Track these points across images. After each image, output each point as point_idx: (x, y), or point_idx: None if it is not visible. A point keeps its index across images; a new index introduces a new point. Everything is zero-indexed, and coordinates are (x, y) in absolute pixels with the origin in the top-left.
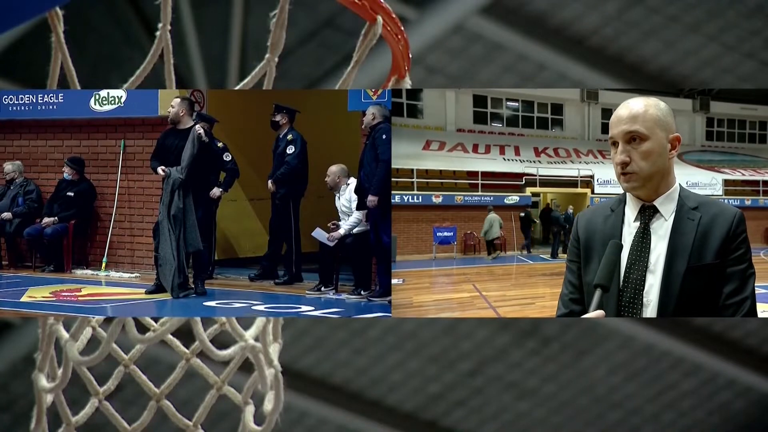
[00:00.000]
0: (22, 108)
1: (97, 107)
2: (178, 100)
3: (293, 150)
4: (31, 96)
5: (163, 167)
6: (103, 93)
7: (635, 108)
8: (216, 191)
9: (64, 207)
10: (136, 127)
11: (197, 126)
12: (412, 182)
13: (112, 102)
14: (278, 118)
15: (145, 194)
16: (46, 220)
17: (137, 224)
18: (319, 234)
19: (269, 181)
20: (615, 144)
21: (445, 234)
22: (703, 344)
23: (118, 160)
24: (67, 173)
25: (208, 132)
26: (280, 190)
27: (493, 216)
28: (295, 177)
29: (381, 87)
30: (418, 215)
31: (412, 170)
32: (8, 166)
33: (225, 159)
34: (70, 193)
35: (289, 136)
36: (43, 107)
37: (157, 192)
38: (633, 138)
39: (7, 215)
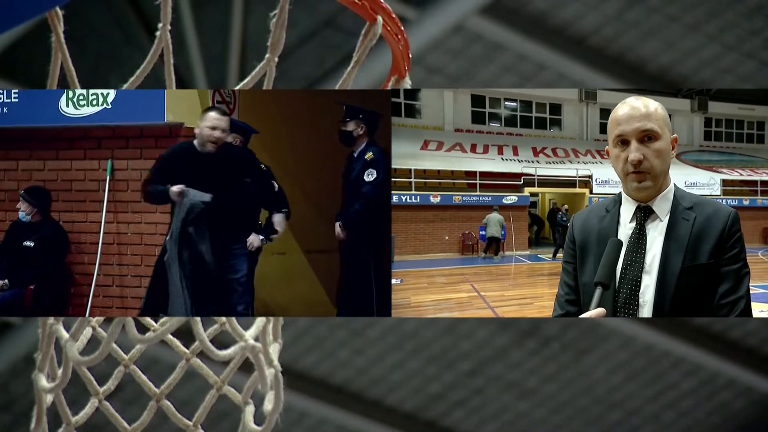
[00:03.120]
0: None
1: (71, 110)
2: (226, 120)
3: (374, 176)
4: None
5: (180, 186)
6: (81, 89)
7: (646, 106)
8: (255, 240)
9: (19, 263)
10: (131, 141)
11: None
12: (410, 182)
13: (94, 102)
14: (351, 127)
15: (144, 244)
16: None
17: (132, 288)
18: None
19: (337, 225)
20: (623, 142)
21: (484, 233)
22: (703, 344)
23: (102, 190)
24: (23, 212)
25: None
26: (353, 237)
27: (490, 215)
28: (375, 217)
29: (381, 87)
30: (416, 215)
31: (410, 170)
32: None
33: (273, 186)
34: (29, 243)
35: (368, 155)
36: None
37: (163, 241)
38: (646, 136)
39: None
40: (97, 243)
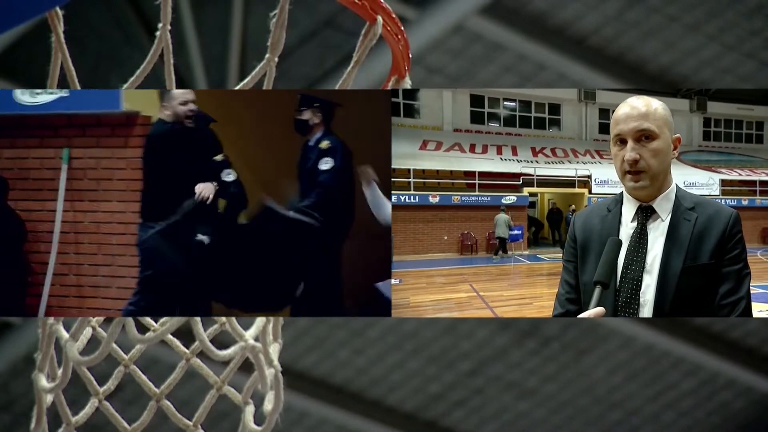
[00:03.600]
0: None
1: (27, 98)
2: (190, 91)
3: (331, 164)
4: None
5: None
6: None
7: (645, 106)
8: (207, 188)
9: None
10: (87, 129)
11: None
12: (409, 182)
13: (50, 90)
14: (307, 116)
15: (102, 232)
16: None
17: (88, 277)
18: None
19: (293, 214)
20: (622, 141)
21: (515, 232)
22: (703, 344)
23: (59, 179)
24: None
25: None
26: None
27: (497, 216)
28: (334, 205)
29: (381, 87)
30: (415, 215)
31: (409, 170)
32: None
33: (225, 179)
34: None
35: (324, 143)
36: None
37: (120, 229)
38: (643, 136)
39: None
40: (54, 231)
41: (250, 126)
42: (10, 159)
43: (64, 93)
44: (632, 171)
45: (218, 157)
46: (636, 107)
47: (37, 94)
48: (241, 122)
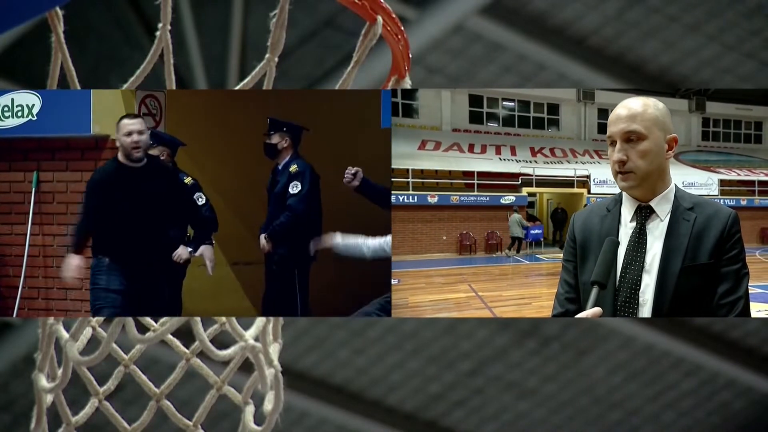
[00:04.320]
0: None
1: None
2: (139, 121)
3: (299, 189)
4: None
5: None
6: (5, 100)
7: (634, 107)
8: (183, 252)
9: None
10: (57, 153)
11: (150, 150)
12: (408, 182)
13: (19, 113)
14: (275, 140)
15: None
16: None
17: (57, 301)
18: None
19: (262, 237)
20: (613, 143)
21: (536, 231)
22: (703, 344)
23: (27, 203)
24: None
25: (170, 161)
26: (278, 249)
27: (510, 217)
28: (302, 229)
29: (381, 87)
30: (414, 215)
31: (408, 170)
32: None
33: (197, 203)
34: None
35: (293, 167)
36: None
37: (89, 253)
38: (631, 137)
39: None
40: (23, 255)
41: (220, 149)
42: None
43: (32, 117)
44: (621, 171)
45: (188, 180)
46: (626, 109)
47: (6, 117)
48: (211, 145)
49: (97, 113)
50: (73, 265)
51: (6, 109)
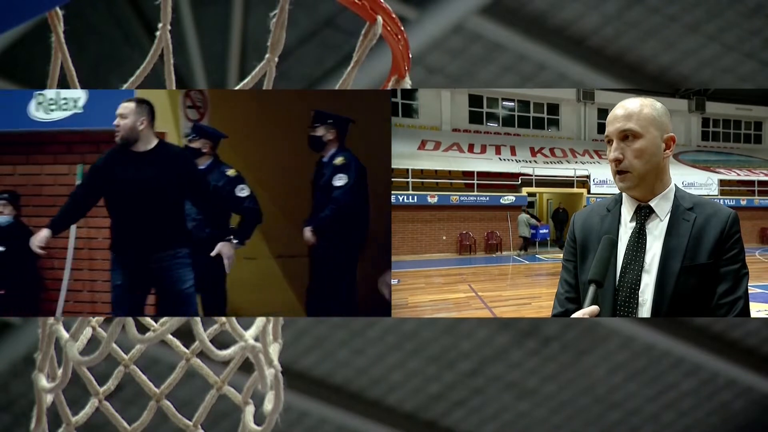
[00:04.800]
0: None
1: (41, 114)
2: (132, 105)
3: (344, 181)
4: None
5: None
6: (50, 93)
7: (630, 107)
8: (227, 245)
9: None
10: (102, 146)
11: (192, 143)
12: (407, 182)
13: (65, 107)
14: (321, 132)
15: None
16: None
17: (102, 293)
18: None
19: (307, 229)
20: (610, 142)
21: (543, 231)
22: (703, 344)
23: None
24: (5, 216)
25: (212, 153)
26: (323, 242)
27: (518, 217)
28: (347, 222)
29: (381, 87)
30: (414, 215)
31: (408, 170)
32: None
33: (239, 195)
34: None
35: (338, 159)
36: None
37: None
38: (627, 136)
39: None
40: (68, 248)
41: (265, 142)
42: (24, 175)
43: (78, 110)
44: (618, 171)
45: (231, 172)
46: (623, 108)
47: (52, 110)
48: (256, 138)
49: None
50: (41, 236)
51: (52, 101)
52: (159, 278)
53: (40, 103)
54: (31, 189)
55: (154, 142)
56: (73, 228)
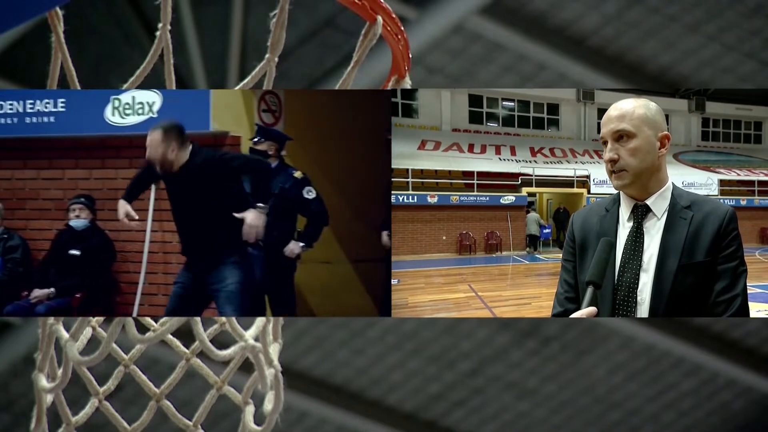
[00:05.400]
0: (3, 121)
1: (117, 119)
2: (158, 136)
3: (315, 193)
4: (15, 104)
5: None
6: (126, 98)
7: (623, 108)
8: (294, 247)
9: (66, 272)
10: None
11: (257, 146)
12: (407, 182)
13: (140, 111)
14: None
15: None
16: (37, 292)
17: None
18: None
19: (384, 233)
20: (605, 143)
21: (547, 231)
22: (703, 344)
23: (147, 199)
24: (82, 219)
25: (278, 155)
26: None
27: (527, 216)
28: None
29: (381, 87)
30: (414, 215)
31: (407, 170)
32: None
33: (306, 197)
34: (75, 251)
35: (297, 173)
36: (35, 120)
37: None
38: (621, 136)
39: None
40: (143, 251)
41: (339, 146)
42: (100, 179)
43: (153, 114)
44: (613, 170)
45: (297, 174)
46: (616, 109)
47: (127, 114)
48: (330, 143)
49: (216, 110)
50: (125, 208)
51: (127, 106)
52: (207, 280)
53: (116, 108)
54: (107, 193)
55: (188, 155)
56: (147, 232)
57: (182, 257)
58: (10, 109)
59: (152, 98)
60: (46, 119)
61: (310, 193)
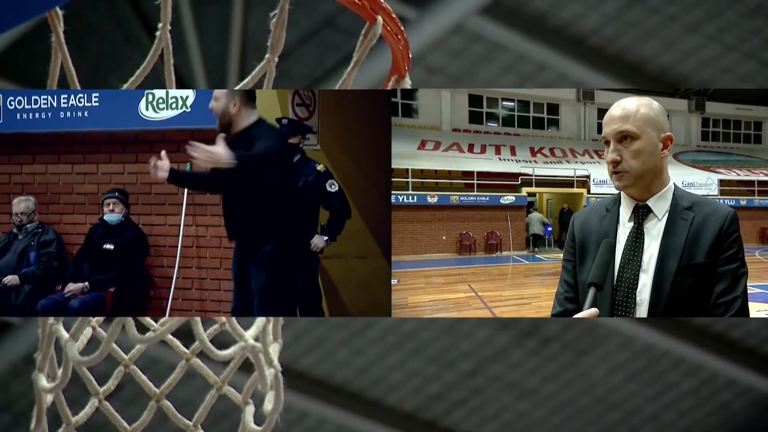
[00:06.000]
0: (37, 116)
1: (151, 114)
2: (221, 91)
3: (337, 187)
4: (49, 98)
5: None
6: (160, 92)
7: (627, 107)
8: (319, 241)
9: (100, 266)
10: (209, 144)
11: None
12: (407, 182)
13: (174, 106)
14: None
15: (223, 247)
16: (71, 286)
17: (211, 291)
18: None
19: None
20: (607, 143)
21: (549, 229)
22: (703, 344)
23: (181, 193)
24: (116, 213)
25: (300, 149)
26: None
27: (530, 216)
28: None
29: (381, 87)
30: (414, 215)
31: (407, 170)
32: (17, 205)
33: (329, 190)
34: (109, 246)
35: (320, 166)
36: (69, 114)
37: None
38: (624, 137)
39: (12, 279)
40: (177, 246)
41: (372, 137)
42: (133, 174)
43: (186, 108)
44: (615, 171)
45: (320, 167)
46: (619, 109)
47: (161, 109)
48: (361, 134)
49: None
50: (165, 165)
51: (161, 101)
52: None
53: (149, 102)
54: (140, 188)
55: (250, 121)
56: (181, 227)
57: (215, 251)
58: (45, 104)
59: (186, 93)
60: (80, 114)
61: (332, 186)
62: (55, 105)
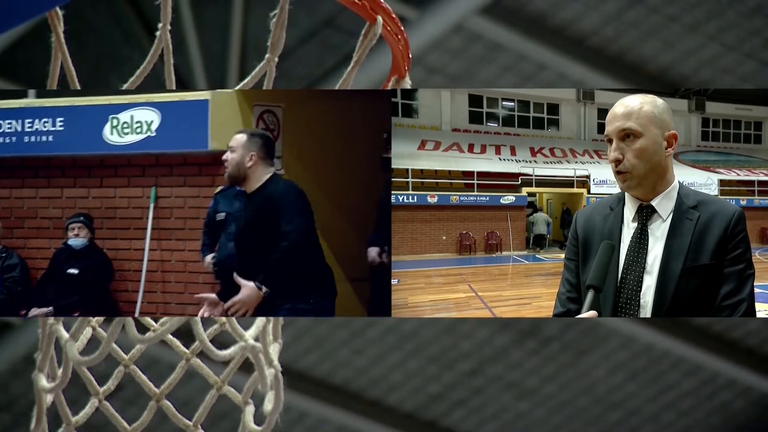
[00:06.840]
0: (2, 140)
1: (115, 138)
2: (243, 138)
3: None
4: (14, 122)
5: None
6: (124, 117)
7: (630, 105)
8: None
9: (65, 291)
10: (175, 169)
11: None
12: (407, 182)
13: (138, 130)
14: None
15: (188, 271)
16: (35, 311)
17: (176, 315)
18: None
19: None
20: (610, 141)
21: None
22: (703, 344)
23: (146, 218)
24: (81, 238)
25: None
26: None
27: (536, 215)
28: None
29: (381, 87)
30: (414, 215)
31: (407, 170)
32: None
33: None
34: (73, 270)
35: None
36: (34, 138)
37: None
38: (627, 135)
39: None
40: (141, 270)
41: (335, 156)
42: (98, 198)
43: (151, 133)
44: (619, 172)
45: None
46: (623, 106)
47: (125, 133)
48: (324, 154)
49: (214, 129)
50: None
51: (125, 125)
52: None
53: (114, 127)
54: (105, 212)
55: (264, 179)
56: (146, 251)
57: (180, 275)
58: (9, 128)
59: (150, 117)
60: (44, 138)
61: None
62: (19, 129)
